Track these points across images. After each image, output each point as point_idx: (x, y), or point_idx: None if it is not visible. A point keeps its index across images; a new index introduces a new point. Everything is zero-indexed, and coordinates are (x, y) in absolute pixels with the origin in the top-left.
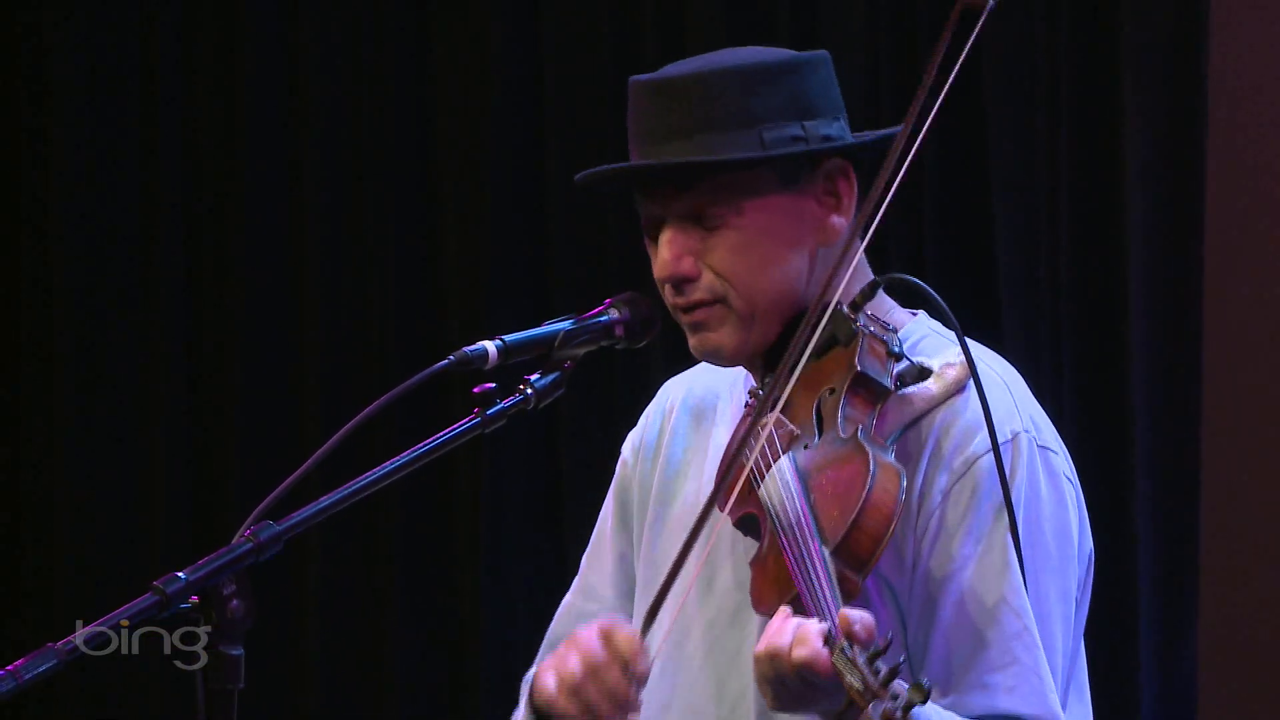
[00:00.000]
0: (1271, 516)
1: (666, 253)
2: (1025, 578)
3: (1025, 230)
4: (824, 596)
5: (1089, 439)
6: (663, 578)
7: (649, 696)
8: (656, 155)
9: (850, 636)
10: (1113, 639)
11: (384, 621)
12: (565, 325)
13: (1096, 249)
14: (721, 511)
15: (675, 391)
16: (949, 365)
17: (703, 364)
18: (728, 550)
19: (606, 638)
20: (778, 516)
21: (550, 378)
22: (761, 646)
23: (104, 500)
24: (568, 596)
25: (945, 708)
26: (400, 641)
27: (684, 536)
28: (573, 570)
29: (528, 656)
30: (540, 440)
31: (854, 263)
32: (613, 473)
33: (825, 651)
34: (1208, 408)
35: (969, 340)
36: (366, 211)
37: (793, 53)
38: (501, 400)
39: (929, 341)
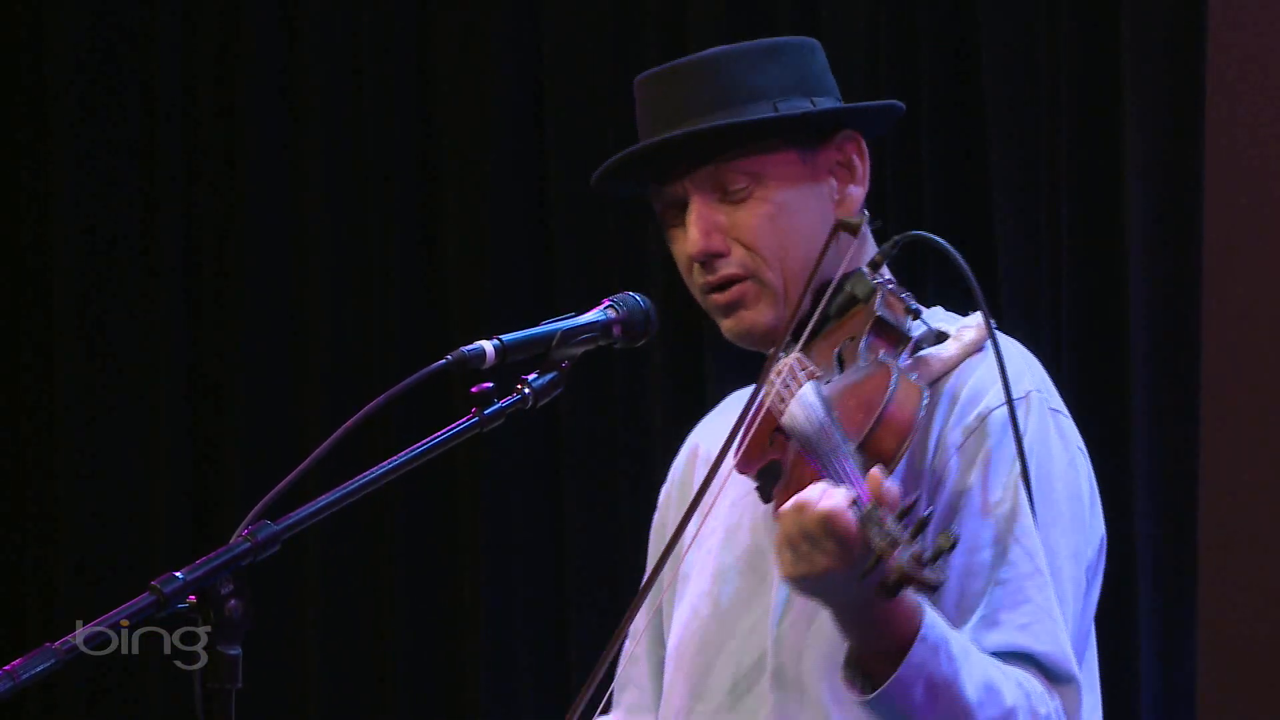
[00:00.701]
0: (1271, 516)
1: (695, 230)
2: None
3: (1025, 229)
4: (850, 474)
5: (1088, 437)
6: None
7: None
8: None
9: (877, 499)
10: (1113, 639)
11: (384, 621)
12: (563, 325)
13: (1096, 248)
14: (741, 472)
15: (700, 436)
16: (966, 327)
17: (722, 405)
18: (744, 542)
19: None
20: (805, 434)
21: (548, 377)
22: (788, 504)
23: (104, 500)
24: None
25: None
26: (400, 641)
27: (708, 557)
28: (572, 570)
29: (527, 656)
30: (539, 440)
31: (866, 237)
32: (611, 471)
33: (849, 509)
34: (1207, 406)
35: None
36: (368, 212)
37: (787, 37)
38: (499, 400)
39: (940, 312)
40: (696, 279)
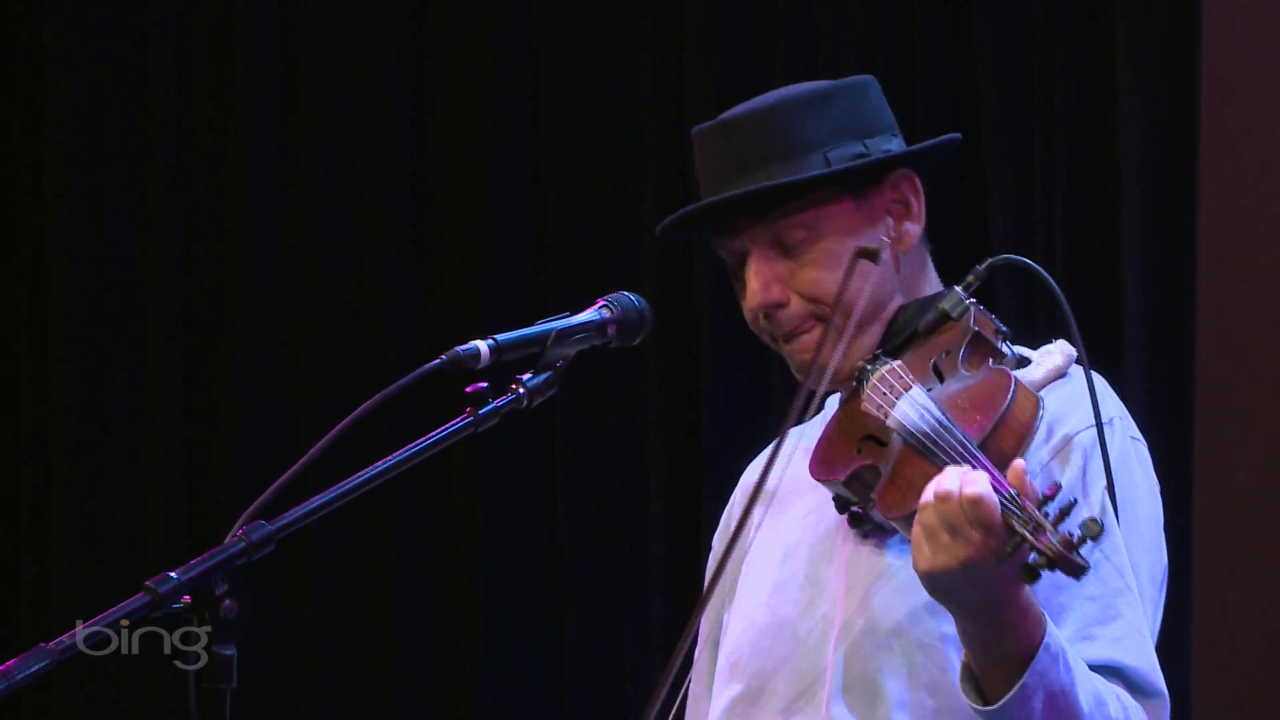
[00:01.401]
0: (1265, 516)
1: (754, 283)
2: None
3: (1021, 228)
4: (984, 463)
5: None
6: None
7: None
8: (726, 192)
9: (1018, 489)
10: None
11: (380, 622)
12: (558, 324)
13: (1091, 247)
14: (820, 479)
15: (752, 472)
16: (1049, 353)
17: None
18: (805, 545)
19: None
20: (920, 431)
21: (543, 377)
22: (928, 494)
23: (100, 500)
24: (691, 683)
25: None
26: (396, 641)
27: (764, 572)
28: (569, 569)
29: (524, 656)
30: (534, 440)
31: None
32: (608, 469)
33: (993, 495)
34: (1201, 406)
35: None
36: (363, 212)
37: (846, 80)
38: (494, 400)
39: (1022, 347)
40: (763, 326)
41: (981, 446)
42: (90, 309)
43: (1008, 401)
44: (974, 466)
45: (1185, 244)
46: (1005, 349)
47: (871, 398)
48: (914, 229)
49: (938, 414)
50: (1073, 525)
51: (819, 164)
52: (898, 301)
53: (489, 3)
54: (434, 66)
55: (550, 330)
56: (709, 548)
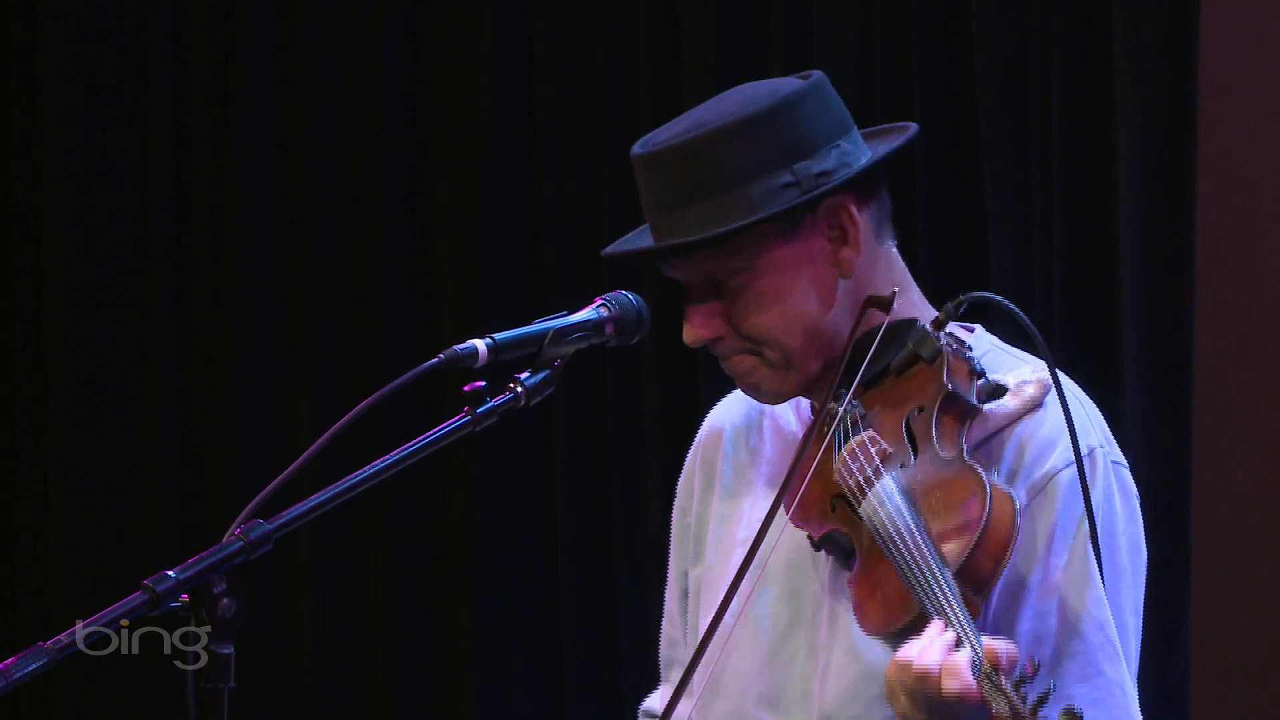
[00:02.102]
0: (1263, 514)
1: (689, 324)
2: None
3: (1018, 228)
4: (959, 621)
5: None
6: (722, 595)
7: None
8: (657, 229)
9: (996, 666)
10: None
11: (377, 620)
12: (555, 323)
13: (1089, 246)
14: (796, 526)
15: (720, 417)
16: (1025, 382)
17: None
18: (782, 559)
19: None
20: (891, 539)
21: (540, 376)
22: (912, 662)
23: (97, 499)
24: (663, 621)
25: None
26: (393, 640)
27: (745, 552)
28: (564, 566)
29: (521, 653)
30: (532, 439)
31: (892, 268)
32: (605, 467)
33: (975, 683)
34: (1199, 405)
35: (1029, 355)
36: (360, 211)
37: (779, 93)
38: (492, 399)
39: (993, 357)
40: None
41: (958, 575)
42: (87, 307)
43: (984, 519)
44: (953, 621)
45: (1183, 244)
46: (978, 400)
47: (845, 469)
48: (850, 255)
49: (911, 524)
50: (1051, 712)
51: (740, 202)
52: (845, 331)
53: (485, 5)
54: (431, 66)
55: (548, 329)
56: None
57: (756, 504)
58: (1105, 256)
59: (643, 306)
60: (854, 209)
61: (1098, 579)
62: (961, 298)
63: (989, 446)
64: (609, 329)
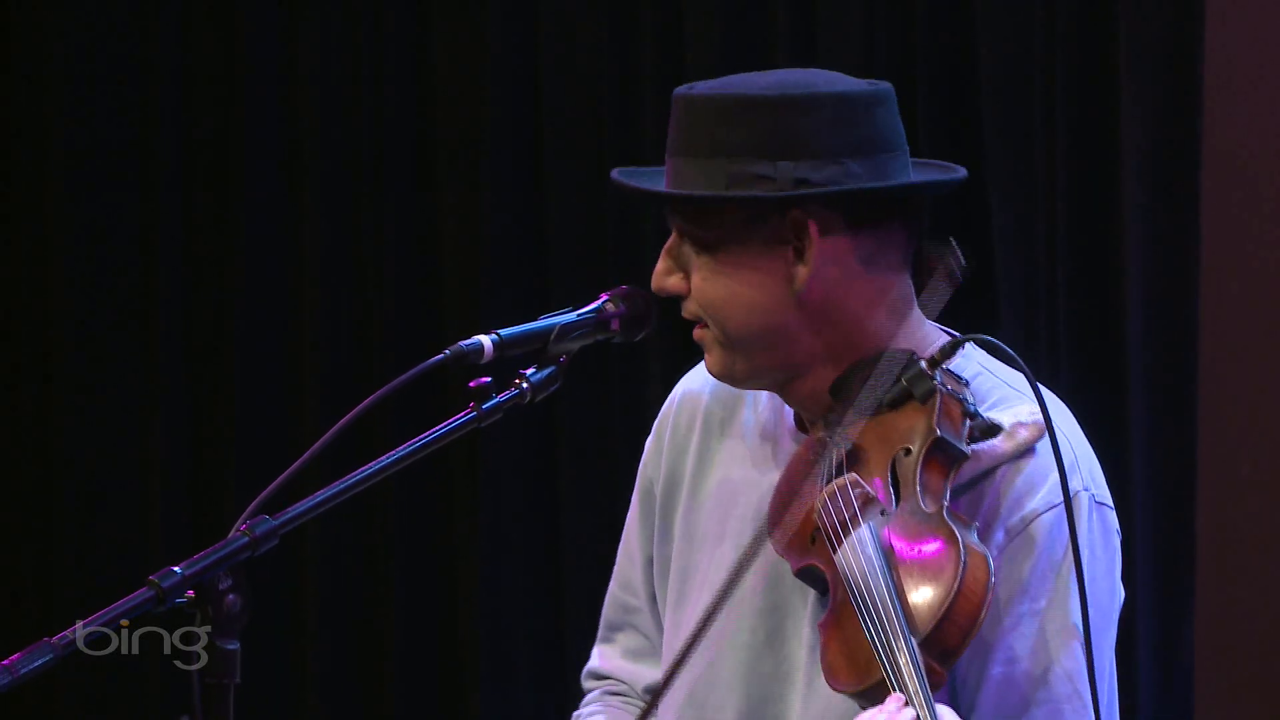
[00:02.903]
0: (1268, 510)
1: (660, 265)
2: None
3: (1022, 225)
4: (919, 699)
5: (1086, 435)
6: (693, 602)
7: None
8: (669, 167)
9: None
10: None
11: (382, 616)
12: (561, 319)
13: (1093, 243)
14: (779, 554)
15: (692, 385)
16: (1020, 425)
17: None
18: (761, 573)
19: None
20: (861, 595)
21: (546, 372)
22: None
23: (103, 494)
24: (612, 584)
25: None
26: (398, 636)
27: (719, 547)
28: (569, 563)
29: (525, 649)
30: (537, 435)
31: (895, 302)
32: (609, 465)
33: None
34: (1204, 401)
35: (1022, 381)
36: (365, 207)
37: (811, 86)
38: (497, 395)
39: (983, 381)
40: None
41: (925, 644)
42: (93, 304)
43: (957, 586)
44: (910, 695)
45: (1187, 240)
46: (968, 442)
47: (825, 509)
48: (802, 272)
49: (882, 582)
50: None
51: (717, 173)
52: (807, 344)
53: (490, 1)
54: (435, 64)
55: (553, 325)
56: None
57: (730, 501)
58: (1110, 253)
59: (648, 303)
60: (815, 229)
61: (1073, 629)
62: (961, 338)
63: (978, 488)
64: (614, 325)
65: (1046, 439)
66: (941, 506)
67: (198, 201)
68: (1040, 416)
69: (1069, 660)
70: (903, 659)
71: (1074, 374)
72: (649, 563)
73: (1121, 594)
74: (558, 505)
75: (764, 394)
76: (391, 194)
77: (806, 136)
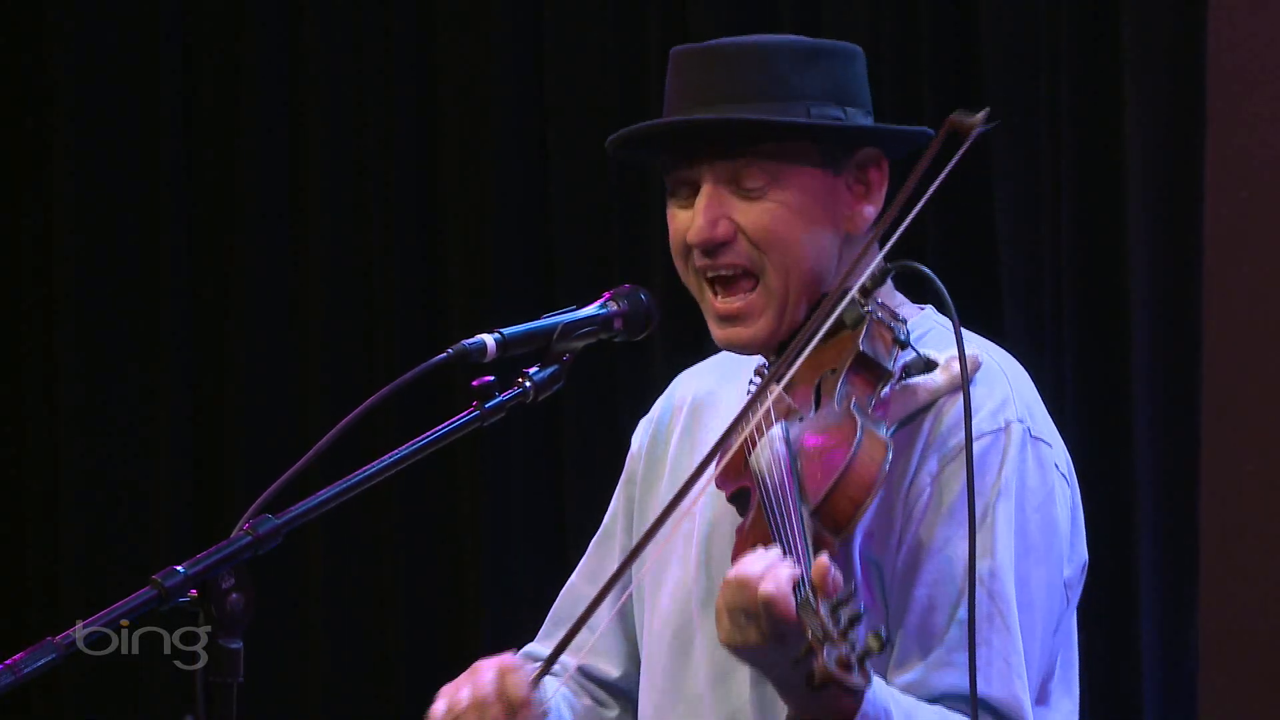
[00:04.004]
0: (1271, 509)
1: (702, 218)
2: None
3: (1026, 224)
4: (797, 549)
5: (1090, 432)
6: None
7: (656, 701)
8: (705, 114)
9: (818, 587)
10: (1115, 631)
11: (386, 615)
12: (564, 318)
13: (1097, 242)
14: (719, 488)
15: (687, 385)
16: (955, 358)
17: (715, 359)
18: (727, 539)
19: (501, 676)
20: (763, 481)
21: (549, 371)
22: (732, 572)
23: (107, 493)
24: (573, 576)
25: (912, 681)
26: (403, 634)
27: (689, 543)
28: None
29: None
30: (542, 433)
31: (875, 257)
32: (614, 464)
33: (791, 594)
34: (1207, 400)
35: (973, 334)
36: (369, 205)
37: (831, 41)
38: (500, 393)
39: (935, 335)
40: (694, 261)
41: (816, 512)
42: (98, 302)
43: (847, 460)
44: (791, 548)
45: (1191, 237)
46: (895, 365)
47: (753, 432)
48: (870, 212)
49: (785, 468)
50: (859, 636)
51: (800, 114)
52: (832, 282)
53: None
54: (440, 62)
55: (556, 324)
56: None
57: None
58: (1114, 251)
59: (651, 302)
60: (885, 167)
61: (1001, 553)
62: (887, 265)
63: (917, 421)
64: (617, 324)
65: (983, 373)
66: (850, 403)
67: (203, 200)
68: (978, 355)
69: (992, 580)
70: (791, 521)
71: (1078, 374)
72: (624, 552)
73: (1083, 553)
74: (562, 504)
75: (741, 368)
76: (396, 192)
77: (856, 85)
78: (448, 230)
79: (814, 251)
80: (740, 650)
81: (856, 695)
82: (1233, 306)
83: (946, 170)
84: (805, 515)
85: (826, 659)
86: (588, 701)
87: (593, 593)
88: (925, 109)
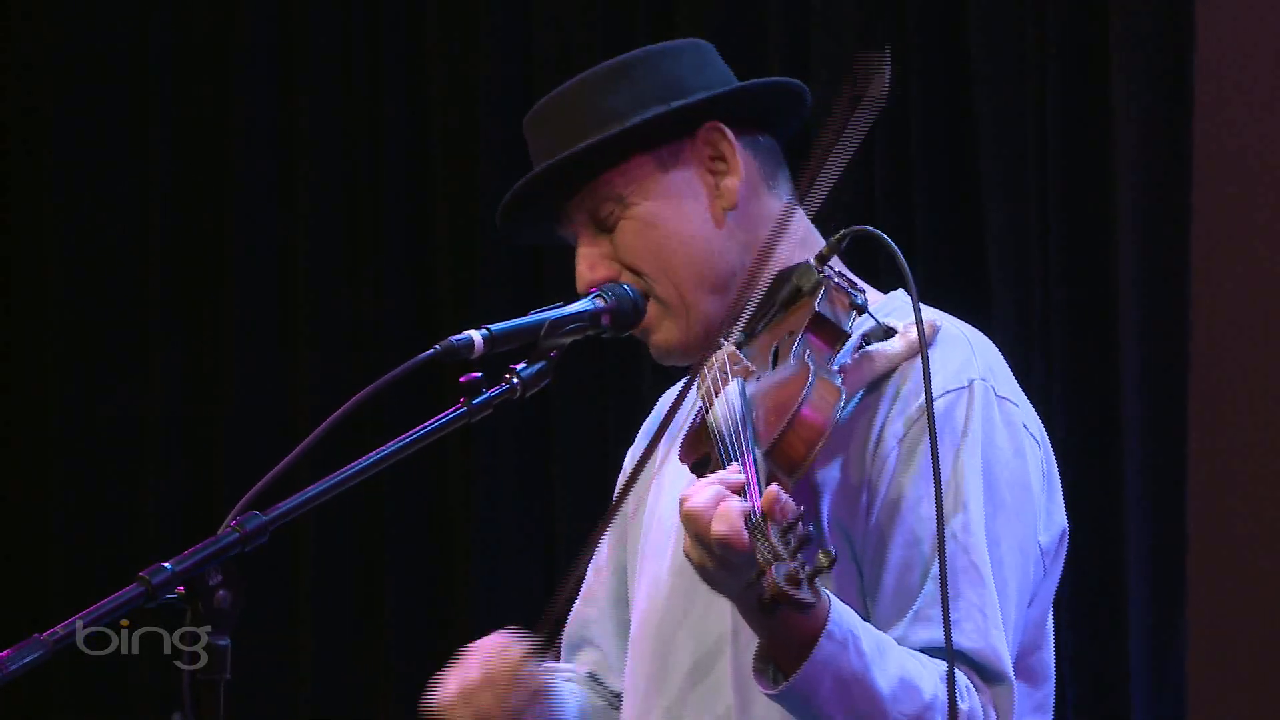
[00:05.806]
0: (1259, 510)
1: (581, 265)
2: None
3: (1015, 223)
4: (750, 479)
5: (1078, 430)
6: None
7: (631, 667)
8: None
9: (768, 513)
10: (1104, 631)
11: (375, 612)
12: (551, 314)
13: (1085, 241)
14: (681, 462)
15: (672, 391)
16: (913, 325)
17: (660, 402)
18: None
19: (503, 651)
20: (719, 434)
21: (537, 367)
22: (685, 505)
23: (95, 490)
24: (576, 602)
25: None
26: (391, 632)
27: (665, 537)
28: (563, 559)
29: None
30: (531, 430)
31: (795, 225)
32: (604, 461)
33: (744, 529)
34: (1194, 397)
35: (936, 309)
36: (358, 202)
37: (653, 47)
38: (488, 390)
39: (901, 312)
40: None
41: (770, 453)
42: (88, 297)
43: (799, 402)
44: (745, 488)
45: (1178, 237)
46: (851, 328)
47: (707, 387)
48: (733, 183)
49: (739, 416)
50: (809, 556)
51: (616, 129)
52: (744, 264)
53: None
54: (429, 61)
55: (544, 320)
56: None
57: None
58: (1102, 248)
59: (638, 297)
60: (731, 134)
61: (972, 509)
62: (844, 231)
63: (880, 388)
64: (605, 320)
65: (943, 336)
66: (805, 354)
67: (192, 194)
68: (936, 320)
69: (964, 535)
70: (745, 461)
71: (1067, 371)
72: (619, 570)
73: (1060, 519)
74: (551, 499)
75: None
76: (386, 189)
77: (677, 78)
78: (437, 227)
79: (688, 248)
80: (701, 572)
81: (811, 613)
82: (1220, 304)
83: (851, 122)
84: (759, 457)
85: (775, 575)
86: (599, 702)
87: (594, 612)
88: (914, 111)
